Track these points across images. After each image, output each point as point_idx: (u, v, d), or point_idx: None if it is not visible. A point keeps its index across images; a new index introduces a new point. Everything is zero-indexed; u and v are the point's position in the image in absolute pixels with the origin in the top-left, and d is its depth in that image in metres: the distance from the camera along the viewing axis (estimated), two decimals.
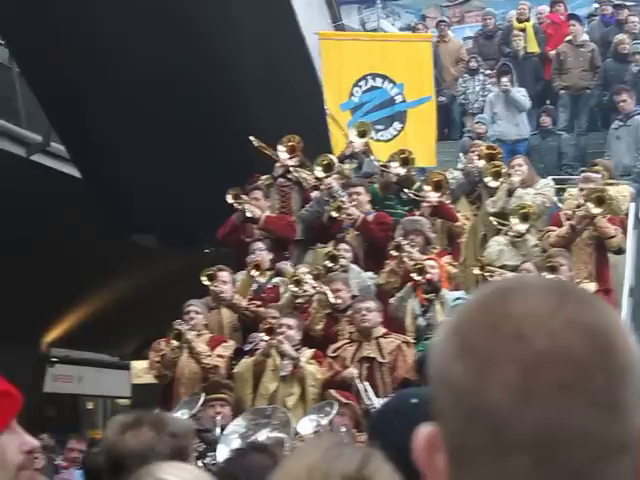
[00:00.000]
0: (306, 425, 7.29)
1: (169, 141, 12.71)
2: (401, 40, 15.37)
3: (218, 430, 7.55)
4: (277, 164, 10.90)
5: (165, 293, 12.12)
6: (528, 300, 0.97)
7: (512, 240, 9.72)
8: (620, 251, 9.56)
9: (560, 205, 10.49)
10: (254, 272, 9.54)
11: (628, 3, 15.59)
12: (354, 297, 8.90)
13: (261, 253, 9.83)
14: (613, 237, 9.33)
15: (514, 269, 9.12)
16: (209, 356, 8.68)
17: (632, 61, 14.32)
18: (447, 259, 9.54)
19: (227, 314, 9.38)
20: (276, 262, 10.05)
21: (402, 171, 10.46)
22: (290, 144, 10.85)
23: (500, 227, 9.93)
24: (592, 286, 8.71)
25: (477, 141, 12.40)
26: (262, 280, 9.72)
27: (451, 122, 15.29)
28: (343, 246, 9.64)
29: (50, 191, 13.79)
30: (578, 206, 9.57)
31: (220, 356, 8.74)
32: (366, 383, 8.00)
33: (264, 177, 11.01)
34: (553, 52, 14.84)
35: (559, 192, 11.14)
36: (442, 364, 0.98)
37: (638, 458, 0.95)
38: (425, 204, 10.02)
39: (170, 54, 11.90)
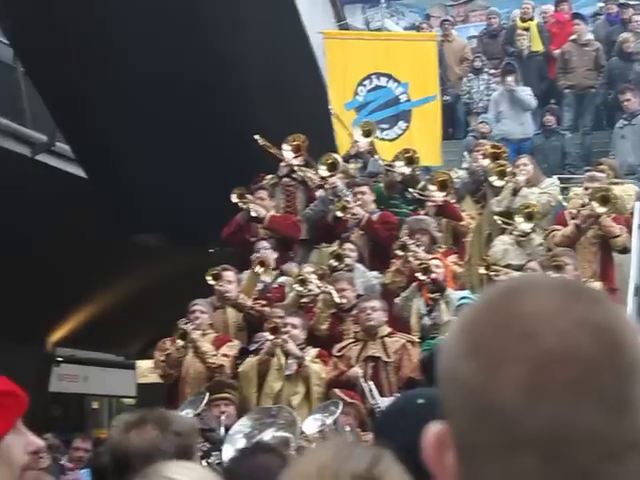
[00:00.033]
0: (311, 424, 7.29)
1: (174, 141, 12.71)
2: (405, 39, 15.36)
3: (222, 430, 7.55)
4: (282, 163, 10.90)
5: (170, 293, 12.13)
6: (538, 299, 0.97)
7: (517, 239, 9.71)
8: (625, 250, 9.54)
9: (565, 204, 10.48)
10: (259, 269, 9.54)
11: (633, 2, 15.56)
12: (359, 296, 8.90)
13: (266, 252, 9.83)
14: (618, 236, 9.32)
15: (519, 268, 9.11)
16: (214, 355, 8.68)
17: (637, 60, 14.30)
18: (453, 258, 9.53)
19: (232, 314, 9.38)
20: (281, 261, 10.05)
21: (407, 170, 10.46)
22: (295, 143, 10.84)
23: (505, 226, 9.92)
24: (597, 285, 8.70)
25: (482, 140, 12.38)
26: (267, 279, 9.72)
27: (455, 121, 15.27)
28: (348, 246, 9.64)
29: (55, 191, 13.80)
30: (583, 205, 9.56)
31: (225, 355, 8.74)
32: (371, 383, 8.00)
33: (269, 176, 11.01)
34: (557, 51, 14.83)
35: (563, 191, 11.13)
36: (451, 363, 0.98)
37: None
38: (430, 203, 10.02)
39: (175, 54, 11.90)
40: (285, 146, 10.84)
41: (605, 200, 9.31)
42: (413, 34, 16.97)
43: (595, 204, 9.30)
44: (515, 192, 10.08)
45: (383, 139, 12.95)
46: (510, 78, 13.73)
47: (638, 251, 9.88)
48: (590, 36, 14.83)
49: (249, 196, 10.39)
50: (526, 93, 13.76)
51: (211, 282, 9.39)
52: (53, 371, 20.13)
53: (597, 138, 14.25)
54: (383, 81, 13.60)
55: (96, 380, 21.69)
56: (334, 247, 9.73)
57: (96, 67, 12.36)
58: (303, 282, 9.07)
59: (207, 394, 7.90)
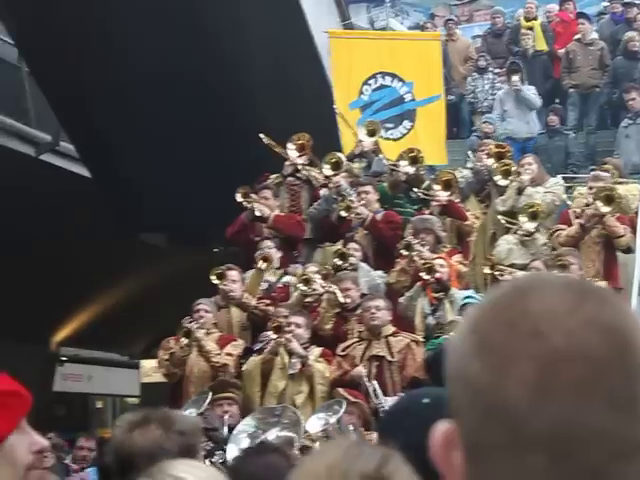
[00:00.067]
0: (314, 423, 7.28)
1: (178, 141, 12.72)
2: (410, 39, 15.37)
3: (225, 429, 7.55)
4: (286, 162, 10.90)
5: (174, 292, 12.13)
6: (546, 298, 0.96)
7: (521, 239, 9.70)
8: (629, 250, 9.54)
9: (569, 203, 10.47)
10: (262, 264, 9.52)
11: (637, 1, 15.54)
12: (363, 296, 8.90)
13: (270, 251, 9.82)
14: (622, 236, 9.32)
15: (523, 268, 9.09)
16: (218, 354, 8.68)
17: None
18: (457, 258, 9.52)
19: (236, 313, 9.38)
20: (285, 261, 10.04)
21: (411, 170, 10.45)
22: (300, 142, 10.84)
23: (509, 226, 9.91)
24: (601, 284, 8.69)
25: (486, 140, 12.37)
26: (272, 278, 9.72)
27: (460, 121, 15.27)
28: (352, 245, 9.64)
29: (59, 190, 13.80)
30: (587, 205, 9.55)
31: (229, 355, 8.73)
32: (375, 382, 7.99)
33: (273, 176, 11.01)
34: (562, 51, 14.81)
35: (567, 190, 11.12)
36: (459, 362, 0.98)
37: None
38: (434, 203, 10.02)
39: (179, 54, 11.91)
40: (290, 145, 10.84)
41: (609, 199, 9.30)
42: (418, 33, 16.98)
43: (599, 203, 9.29)
44: (520, 191, 10.07)
45: (388, 138, 12.95)
46: (516, 77, 13.70)
47: None
48: (595, 35, 14.81)
49: (253, 195, 10.39)
50: (531, 92, 13.75)
51: (215, 281, 9.39)
52: (57, 370, 20.15)
53: (601, 137, 14.24)
54: (388, 80, 13.60)
55: (100, 379, 21.72)
56: (338, 246, 9.72)
57: (100, 67, 12.38)
58: (307, 282, 9.07)
59: (210, 393, 7.89)
